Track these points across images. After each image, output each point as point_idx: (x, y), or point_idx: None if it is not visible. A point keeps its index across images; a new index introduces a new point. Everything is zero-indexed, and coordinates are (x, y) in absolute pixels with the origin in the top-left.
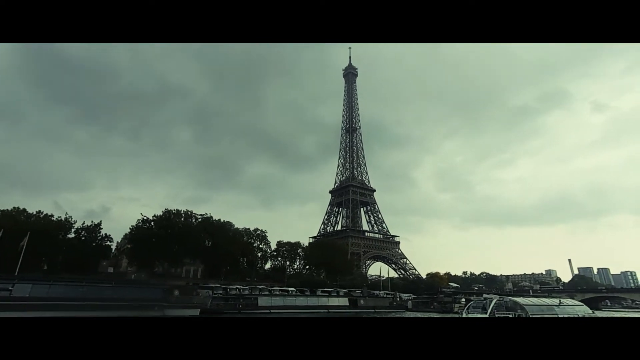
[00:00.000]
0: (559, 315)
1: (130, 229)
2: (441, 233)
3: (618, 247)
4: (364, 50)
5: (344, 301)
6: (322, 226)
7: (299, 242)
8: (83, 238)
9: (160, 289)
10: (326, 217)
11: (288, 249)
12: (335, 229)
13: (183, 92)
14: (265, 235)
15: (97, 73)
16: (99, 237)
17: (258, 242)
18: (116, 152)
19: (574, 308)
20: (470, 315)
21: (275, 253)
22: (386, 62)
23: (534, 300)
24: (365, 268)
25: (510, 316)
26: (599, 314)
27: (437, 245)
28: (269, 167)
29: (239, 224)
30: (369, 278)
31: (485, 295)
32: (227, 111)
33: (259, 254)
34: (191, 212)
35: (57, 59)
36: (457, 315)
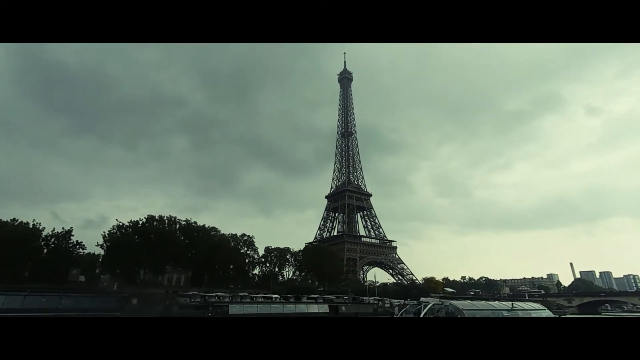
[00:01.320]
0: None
1: (102, 235)
2: (441, 238)
3: (619, 251)
4: (358, 56)
5: (324, 308)
6: (319, 232)
7: (288, 248)
8: (52, 246)
9: (115, 298)
10: (322, 222)
11: (277, 255)
12: (332, 234)
13: (178, 101)
14: (252, 241)
15: (91, 83)
16: (70, 245)
17: (245, 248)
18: (113, 162)
19: (529, 313)
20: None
21: (263, 259)
22: (379, 68)
23: (481, 305)
24: (363, 274)
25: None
26: None
27: (437, 251)
28: (267, 175)
29: (239, 231)
30: (366, 284)
31: (422, 299)
32: (223, 119)
33: (247, 260)
34: (174, 217)
35: (50, 70)
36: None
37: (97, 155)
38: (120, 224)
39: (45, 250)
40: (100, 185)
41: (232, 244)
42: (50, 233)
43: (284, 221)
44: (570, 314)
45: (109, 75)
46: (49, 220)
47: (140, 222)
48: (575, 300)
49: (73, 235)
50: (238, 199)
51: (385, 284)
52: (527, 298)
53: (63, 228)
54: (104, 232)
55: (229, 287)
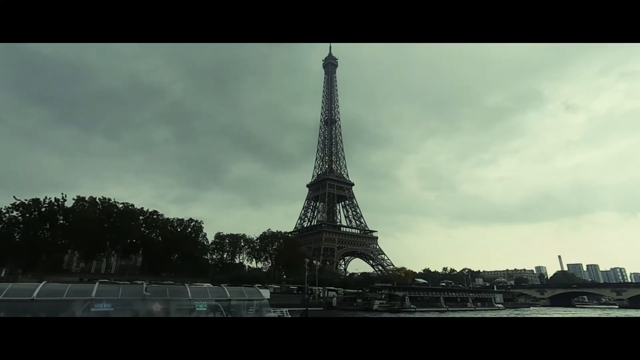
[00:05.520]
0: None
1: None
2: (429, 231)
3: (606, 244)
4: (342, 50)
5: None
6: (299, 221)
7: (243, 235)
8: None
9: None
10: (303, 212)
11: (230, 242)
12: (312, 224)
13: (159, 92)
14: (201, 227)
15: (71, 73)
16: None
17: (193, 235)
18: (98, 152)
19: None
20: None
21: (214, 246)
22: (364, 63)
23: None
24: (345, 264)
25: None
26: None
27: (425, 243)
28: (254, 167)
29: (228, 223)
30: (345, 273)
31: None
32: (207, 111)
33: (197, 247)
34: (108, 199)
35: (30, 60)
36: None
37: (80, 145)
38: (18, 201)
39: None
40: (86, 175)
41: (179, 230)
42: None
43: (273, 212)
44: (541, 306)
45: (87, 65)
46: None
47: (47, 202)
48: (548, 291)
49: None
50: (226, 191)
51: (352, 274)
52: (495, 289)
53: None
54: None
55: (160, 275)
